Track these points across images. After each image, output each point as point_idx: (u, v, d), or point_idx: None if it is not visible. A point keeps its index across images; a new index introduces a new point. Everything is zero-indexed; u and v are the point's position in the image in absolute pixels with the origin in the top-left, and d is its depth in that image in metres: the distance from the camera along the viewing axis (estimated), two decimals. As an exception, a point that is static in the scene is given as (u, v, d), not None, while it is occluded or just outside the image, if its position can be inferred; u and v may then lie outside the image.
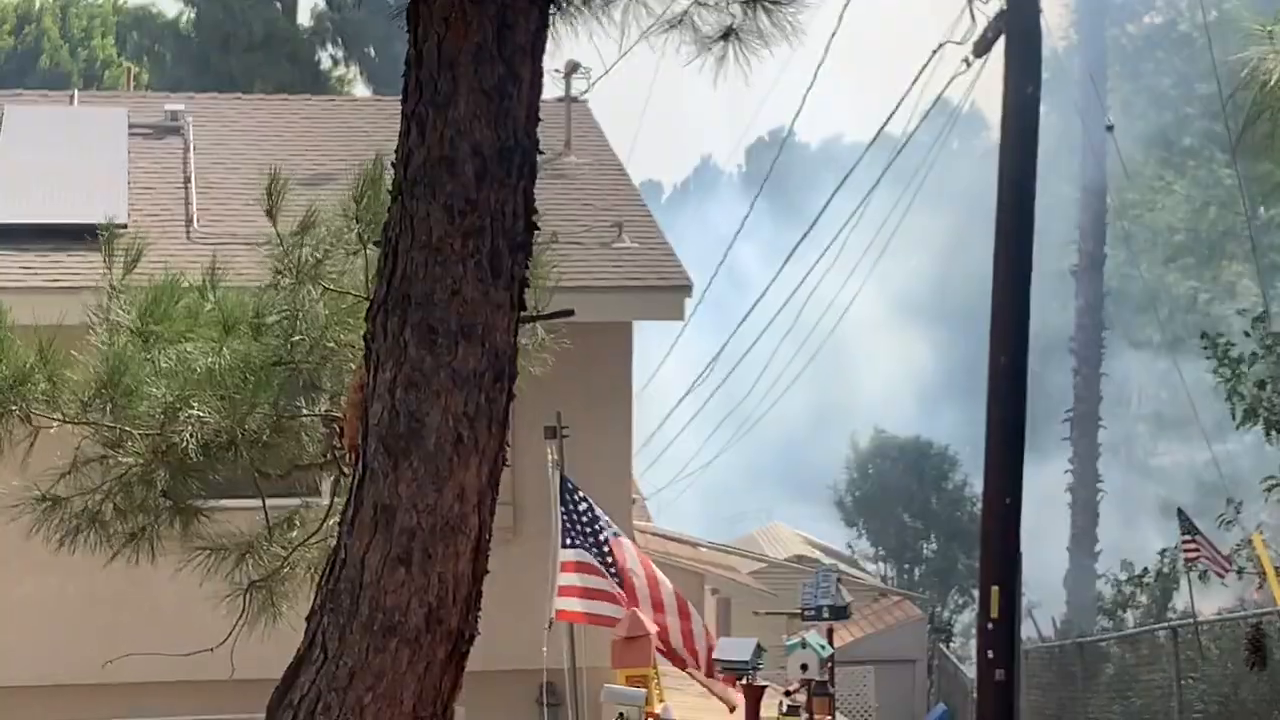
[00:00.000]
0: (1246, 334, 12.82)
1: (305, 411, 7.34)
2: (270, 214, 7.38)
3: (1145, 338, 54.95)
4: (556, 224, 15.64)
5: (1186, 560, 13.62)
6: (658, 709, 12.90)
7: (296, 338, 7.23)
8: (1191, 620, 14.68)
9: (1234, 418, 12.65)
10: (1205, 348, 12.80)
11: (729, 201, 69.91)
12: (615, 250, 16.18)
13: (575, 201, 17.03)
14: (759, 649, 13.35)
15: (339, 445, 6.61)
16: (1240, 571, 13.67)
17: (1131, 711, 17.27)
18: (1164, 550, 16.55)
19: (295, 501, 7.98)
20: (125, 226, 12.99)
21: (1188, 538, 13.52)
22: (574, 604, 11.71)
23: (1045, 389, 52.31)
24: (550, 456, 12.64)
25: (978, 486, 29.92)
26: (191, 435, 7.03)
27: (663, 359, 36.18)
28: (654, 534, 33.93)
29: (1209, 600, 18.49)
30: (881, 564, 41.92)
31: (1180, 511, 14.07)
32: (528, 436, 13.47)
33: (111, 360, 7.18)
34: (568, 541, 11.52)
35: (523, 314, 4.60)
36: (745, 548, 39.87)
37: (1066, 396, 46.19)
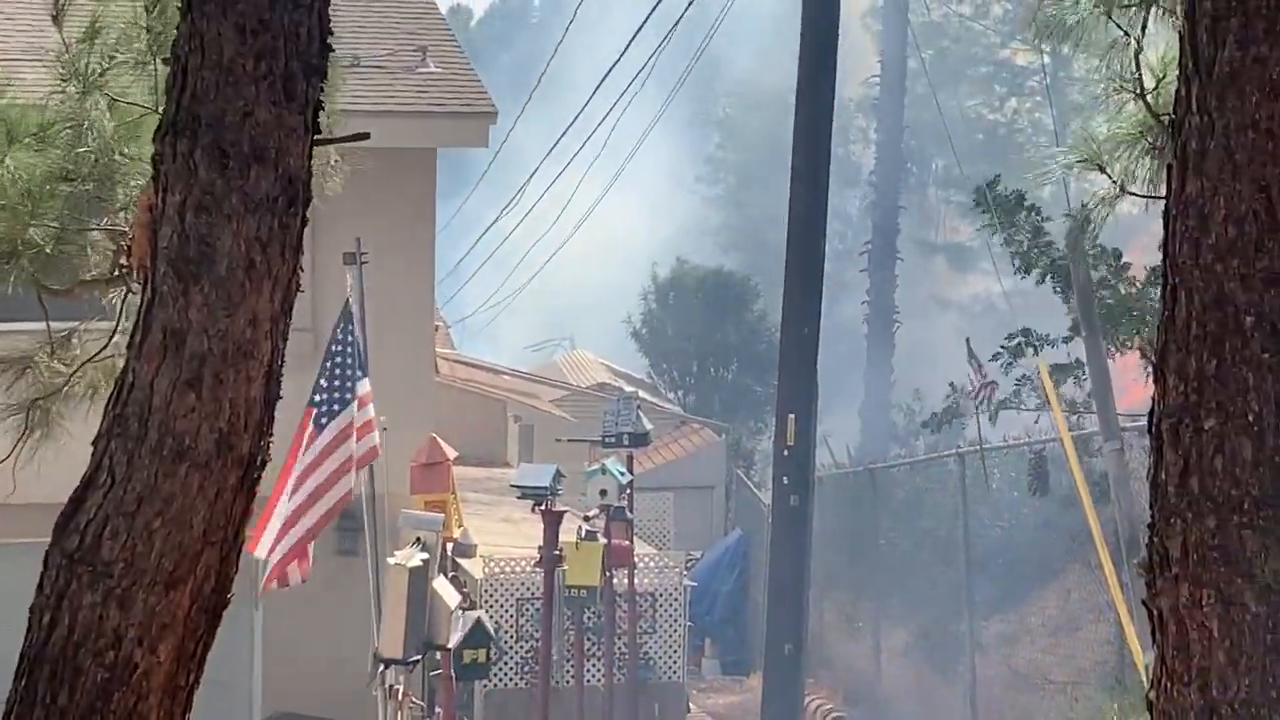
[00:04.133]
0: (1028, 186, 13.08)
1: (91, 225, 7.20)
2: (56, 18, 7.18)
3: (944, 171, 55.80)
4: (358, 47, 15.49)
5: (972, 391, 13.97)
6: (456, 534, 13.02)
7: (82, 149, 7.08)
8: (978, 448, 15.11)
9: (1013, 265, 12.97)
10: (976, 203, 13.04)
11: (539, 27, 69.26)
12: (419, 75, 16.01)
13: (378, 25, 16.78)
14: (558, 475, 13.54)
15: (126, 264, 6.50)
16: (1018, 408, 14.06)
17: (920, 535, 17.79)
18: (953, 381, 16.93)
19: (77, 323, 7.85)
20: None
21: (974, 368, 13.86)
22: (374, 438, 11.69)
23: (846, 221, 53.01)
24: (349, 283, 12.57)
25: (777, 317, 30.36)
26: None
27: (473, 188, 36.04)
28: (457, 361, 33.99)
29: (996, 429, 19.01)
30: (681, 392, 42.40)
31: (968, 342, 14.42)
32: (329, 263, 13.38)
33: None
34: (359, 374, 11.48)
35: (317, 138, 4.55)
36: (548, 375, 40.12)
37: (865, 229, 46.79)
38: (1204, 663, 3.98)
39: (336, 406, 11.17)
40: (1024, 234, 12.47)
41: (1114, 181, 6.61)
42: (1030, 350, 13.73)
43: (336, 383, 11.31)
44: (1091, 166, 6.70)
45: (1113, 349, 11.95)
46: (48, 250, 7.00)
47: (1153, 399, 4.21)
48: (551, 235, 40.08)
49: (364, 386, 11.51)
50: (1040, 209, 12.83)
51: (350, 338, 11.61)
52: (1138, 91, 6.13)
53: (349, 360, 11.45)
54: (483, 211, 38.37)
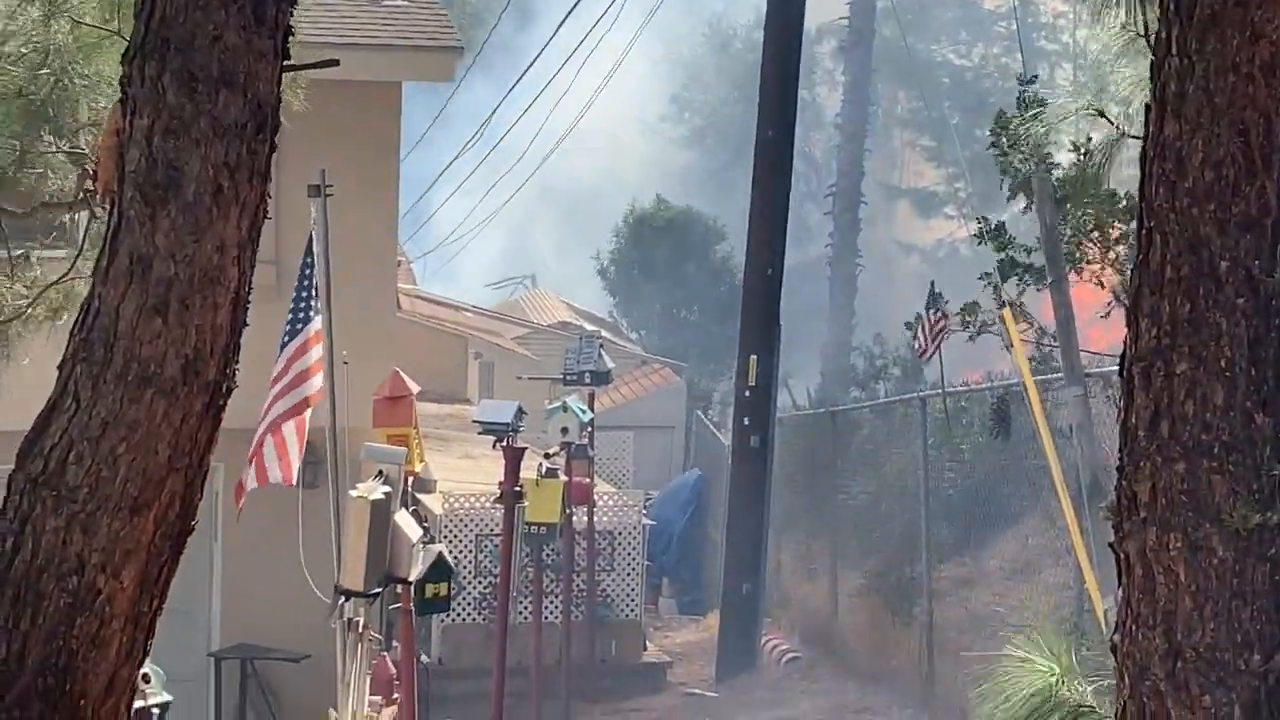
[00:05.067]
0: (1020, 101, 12.96)
1: (52, 148, 7.12)
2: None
3: (911, 114, 55.76)
4: (324, -23, 15.34)
5: (920, 348, 13.93)
6: (418, 468, 12.99)
7: (43, 70, 6.98)
8: (940, 392, 15.13)
9: (1005, 191, 12.84)
10: (993, 131, 12.97)
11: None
12: (386, 8, 15.90)
13: (344, -46, 16.61)
14: (520, 411, 13.52)
15: (90, 188, 6.43)
16: (967, 338, 13.95)
17: (880, 478, 17.84)
18: (907, 321, 16.87)
19: (33, 246, 7.77)
20: None
21: (936, 313, 13.84)
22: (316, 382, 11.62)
23: (811, 163, 52.95)
24: (313, 215, 12.48)
25: (738, 258, 30.27)
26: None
27: (433, 119, 35.83)
28: (419, 297, 33.88)
29: (957, 373, 19.04)
30: (643, 332, 42.36)
31: (932, 285, 14.41)
32: (292, 196, 13.29)
33: None
34: (312, 312, 11.40)
35: (285, 64, 4.50)
36: (510, 313, 40.04)
37: (830, 172, 46.73)
38: (1170, 607, 3.99)
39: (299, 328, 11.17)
40: (1019, 157, 12.29)
41: (1113, 124, 6.56)
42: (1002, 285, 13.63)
43: (302, 314, 11.28)
44: (1091, 112, 6.65)
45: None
46: (8, 172, 6.91)
47: (1124, 342, 4.21)
48: (517, 171, 39.93)
49: (315, 325, 11.45)
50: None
51: (309, 271, 11.57)
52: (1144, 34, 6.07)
53: (306, 295, 11.42)
54: (445, 148, 38.18)
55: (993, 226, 13.00)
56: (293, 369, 10.92)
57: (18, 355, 7.51)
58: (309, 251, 11.69)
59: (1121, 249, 11.65)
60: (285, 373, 10.86)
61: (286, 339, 10.97)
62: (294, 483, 10.76)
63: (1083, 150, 11.37)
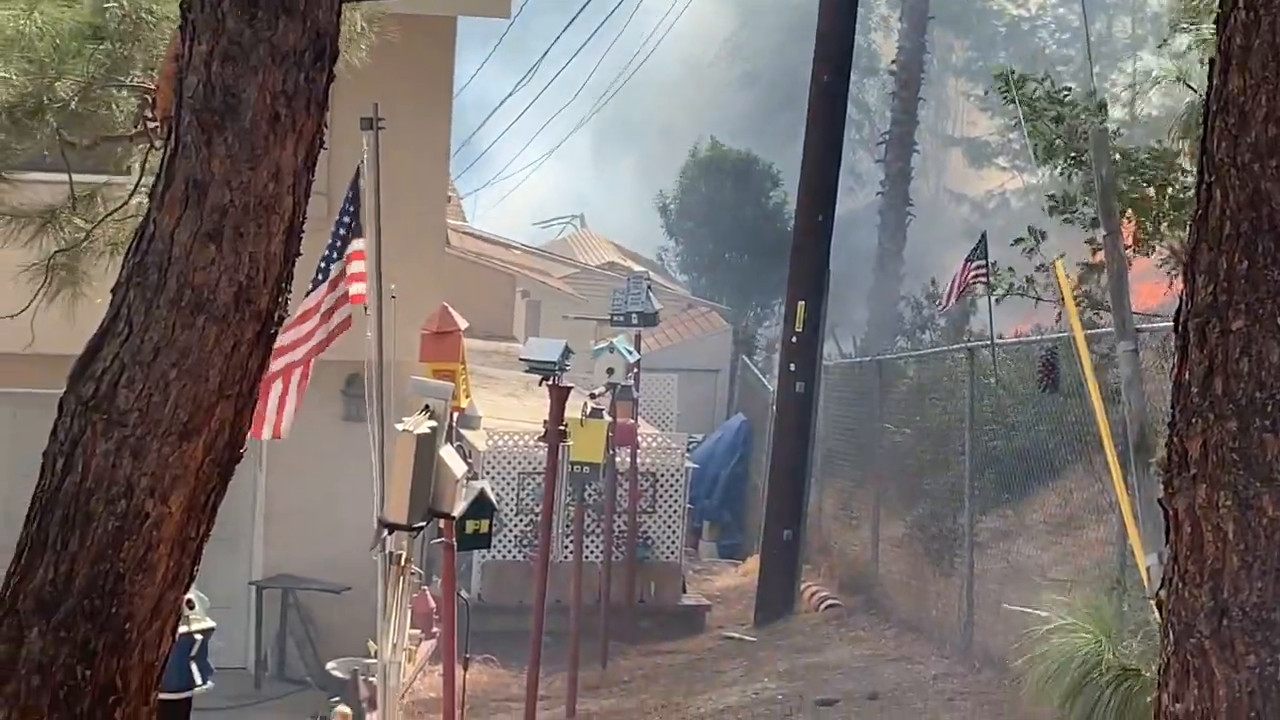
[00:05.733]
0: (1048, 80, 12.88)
1: (117, 80, 7.14)
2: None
3: (966, 63, 55.37)
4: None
5: (975, 282, 13.86)
6: (463, 404, 13.01)
7: (110, 4, 7.00)
8: (989, 343, 15.05)
9: (1035, 156, 12.78)
10: (1002, 89, 12.88)
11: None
12: (441, -59, 15.83)
13: (403, -111, 16.55)
14: (567, 350, 13.49)
15: (151, 116, 6.45)
16: (1037, 300, 13.95)
17: (924, 429, 17.79)
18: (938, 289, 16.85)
19: (102, 178, 7.80)
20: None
21: (980, 262, 13.77)
22: (361, 287, 11.65)
23: (865, 110, 52.65)
24: (365, 147, 12.49)
25: (789, 203, 30.11)
26: (-3, 98, 6.82)
27: (487, 56, 35.78)
28: (468, 234, 33.89)
29: (1007, 325, 18.95)
30: (692, 274, 42.29)
31: (983, 236, 14.32)
32: (344, 129, 13.29)
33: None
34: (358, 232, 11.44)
35: (345, -7, 4.48)
36: (558, 253, 40.02)
37: (884, 119, 46.45)
38: (1217, 565, 3.96)
39: (331, 266, 11.19)
40: (1047, 124, 12.26)
41: (1195, 91, 6.48)
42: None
43: (339, 243, 11.31)
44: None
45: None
46: (73, 106, 6.93)
47: (1180, 298, 4.17)
48: (568, 113, 39.84)
49: (357, 244, 11.48)
50: (1069, 102, 12.63)
51: (351, 208, 11.59)
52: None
53: (346, 223, 11.45)
54: (499, 84, 38.09)
55: (1059, 199, 12.97)
56: (321, 307, 10.92)
57: (80, 288, 7.54)
58: (354, 185, 11.71)
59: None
60: (313, 312, 10.86)
61: (320, 277, 10.98)
62: (283, 437, 10.79)
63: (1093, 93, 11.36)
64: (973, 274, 13.98)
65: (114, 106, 7.15)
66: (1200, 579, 3.99)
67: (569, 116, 40.65)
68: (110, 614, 4.20)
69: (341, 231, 11.35)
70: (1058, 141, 12.20)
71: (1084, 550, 13.03)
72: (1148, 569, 8.54)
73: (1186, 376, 4.05)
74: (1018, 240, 13.56)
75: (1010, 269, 14.10)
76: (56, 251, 7.31)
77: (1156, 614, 4.18)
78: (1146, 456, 9.01)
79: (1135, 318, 10.25)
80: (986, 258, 13.96)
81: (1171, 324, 4.19)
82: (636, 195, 45.13)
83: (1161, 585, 4.16)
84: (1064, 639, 7.96)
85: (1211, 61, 4.11)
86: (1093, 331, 11.97)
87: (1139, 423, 9.29)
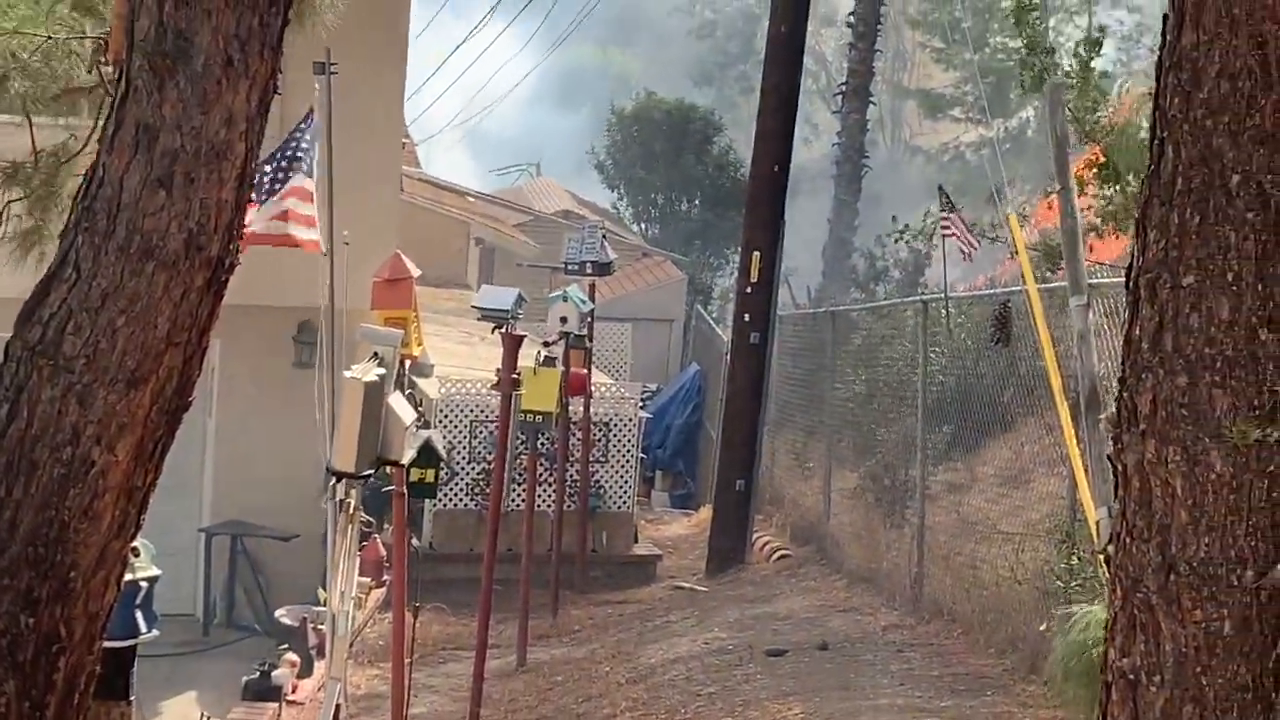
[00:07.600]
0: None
1: (79, 33, 7.02)
2: None
3: (921, 15, 55.30)
4: None
5: (943, 237, 13.90)
6: (415, 352, 12.97)
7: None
8: (941, 295, 15.07)
9: (1023, 86, 12.77)
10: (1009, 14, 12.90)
11: None
12: (398, -116, 15.72)
13: None
14: (520, 299, 13.44)
15: (104, 61, 6.36)
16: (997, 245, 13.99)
17: (876, 379, 17.81)
18: (911, 227, 16.83)
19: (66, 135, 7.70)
20: None
21: (944, 215, 13.79)
22: (307, 233, 11.62)
23: (821, 61, 52.59)
24: (317, 92, 12.42)
25: (742, 153, 30.03)
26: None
27: (440, 6, 35.55)
28: (421, 179, 33.73)
29: (959, 278, 18.98)
30: (645, 224, 42.23)
31: (941, 188, 14.34)
32: (298, 75, 13.20)
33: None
34: (304, 169, 11.39)
35: (298, -63, 4.44)
36: (513, 200, 39.88)
37: (840, 70, 46.40)
38: (1165, 520, 3.98)
39: (277, 186, 11.17)
40: (1037, 55, 12.21)
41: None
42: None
43: (284, 162, 11.28)
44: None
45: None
46: (35, 63, 6.81)
47: (1130, 253, 4.17)
48: (524, 59, 39.65)
49: (305, 182, 11.43)
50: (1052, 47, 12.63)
51: (303, 140, 11.53)
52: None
53: (294, 154, 11.41)
54: (455, 30, 37.91)
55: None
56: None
57: (44, 238, 7.43)
58: (306, 119, 11.65)
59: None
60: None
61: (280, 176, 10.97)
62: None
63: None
64: (945, 227, 14.02)
65: (74, 60, 7.02)
66: (1148, 534, 4.00)
67: (524, 63, 40.49)
68: (54, 562, 4.17)
69: (283, 160, 11.30)
70: (1044, 73, 12.14)
71: (1035, 504, 13.09)
72: (1097, 523, 8.57)
73: (1137, 332, 4.06)
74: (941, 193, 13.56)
75: (974, 225, 14.15)
76: (10, 201, 7.20)
77: (1105, 568, 4.19)
78: (1097, 412, 9.04)
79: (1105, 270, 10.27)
80: (952, 210, 14.00)
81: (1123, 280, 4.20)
82: (590, 144, 45.00)
83: (1110, 540, 4.17)
84: (1078, 626, 7.98)
85: (1165, 17, 4.11)
86: (1045, 286, 11.99)
87: (1090, 378, 9.31)
